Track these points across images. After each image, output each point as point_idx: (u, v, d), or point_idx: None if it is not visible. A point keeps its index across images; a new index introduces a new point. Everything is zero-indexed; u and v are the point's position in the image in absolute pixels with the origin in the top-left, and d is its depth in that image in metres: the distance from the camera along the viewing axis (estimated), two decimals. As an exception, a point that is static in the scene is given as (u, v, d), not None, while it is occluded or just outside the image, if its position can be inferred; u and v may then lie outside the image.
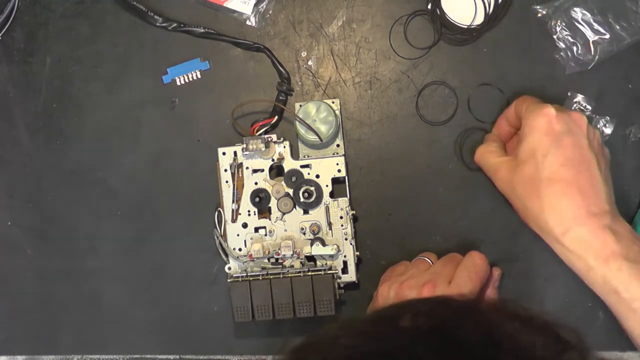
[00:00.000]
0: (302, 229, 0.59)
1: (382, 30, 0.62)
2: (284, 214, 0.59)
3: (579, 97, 0.60)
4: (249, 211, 0.59)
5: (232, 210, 0.59)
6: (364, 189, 0.61)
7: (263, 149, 0.58)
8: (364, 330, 0.30)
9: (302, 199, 0.58)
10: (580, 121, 0.52)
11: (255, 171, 0.59)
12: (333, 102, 0.61)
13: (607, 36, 0.60)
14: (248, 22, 0.63)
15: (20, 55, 0.64)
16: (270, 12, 0.63)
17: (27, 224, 0.64)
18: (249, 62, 0.63)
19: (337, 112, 0.60)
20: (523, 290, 0.60)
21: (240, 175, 0.60)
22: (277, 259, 0.59)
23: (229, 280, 0.58)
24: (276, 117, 0.61)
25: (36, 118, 0.64)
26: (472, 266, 0.53)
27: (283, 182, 0.59)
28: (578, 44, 0.60)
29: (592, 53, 0.60)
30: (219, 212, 0.60)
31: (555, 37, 0.60)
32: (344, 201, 0.59)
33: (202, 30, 0.62)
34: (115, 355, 0.63)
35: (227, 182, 0.60)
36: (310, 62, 0.63)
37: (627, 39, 0.59)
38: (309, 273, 0.58)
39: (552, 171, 0.50)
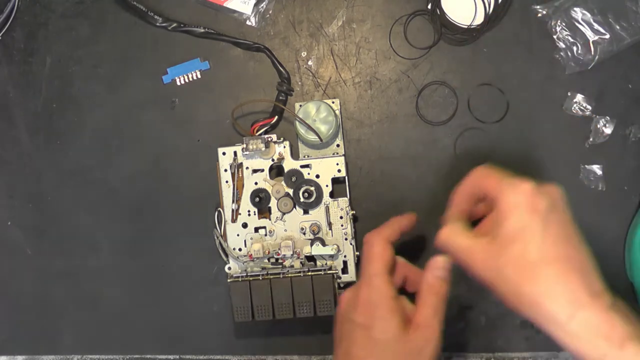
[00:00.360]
0: (302, 229, 0.59)
1: (382, 30, 0.62)
2: (284, 214, 0.59)
3: (579, 97, 0.60)
4: (249, 211, 0.59)
5: (232, 210, 0.59)
6: (364, 189, 0.61)
7: (263, 149, 0.58)
8: None
9: (302, 199, 0.58)
10: (558, 194, 0.47)
11: (255, 171, 0.59)
12: (333, 102, 0.61)
13: (607, 36, 0.60)
14: (248, 22, 0.63)
15: (20, 55, 0.64)
16: (270, 12, 0.63)
17: (27, 224, 0.64)
18: (249, 62, 0.63)
19: (337, 112, 0.60)
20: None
21: (240, 175, 0.60)
22: (277, 259, 0.59)
23: (229, 280, 0.58)
24: (276, 117, 0.61)
25: (36, 118, 0.64)
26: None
27: (283, 182, 0.59)
28: (578, 44, 0.60)
29: (592, 53, 0.60)
30: (219, 212, 0.60)
31: (555, 37, 0.61)
32: (344, 201, 0.59)
33: (202, 30, 0.62)
34: (115, 355, 0.63)
35: (227, 182, 0.60)
36: (310, 62, 0.63)
37: (627, 39, 0.59)
38: (309, 273, 0.58)
39: (545, 252, 0.46)
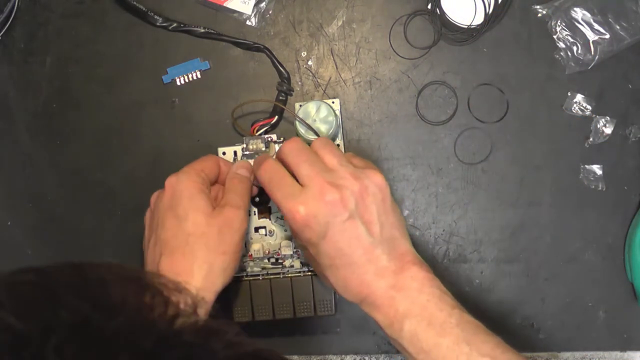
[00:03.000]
0: (302, 229, 0.59)
1: (382, 30, 0.62)
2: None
3: (579, 97, 0.60)
4: (249, 211, 0.59)
5: (232, 210, 0.59)
6: (364, 189, 0.61)
7: (263, 149, 0.58)
8: None
9: (302, 199, 0.58)
10: (334, 203, 0.49)
11: (255, 171, 0.59)
12: (333, 102, 0.61)
13: (607, 36, 0.60)
14: (248, 22, 0.63)
15: (20, 55, 0.64)
16: (270, 12, 0.63)
17: (27, 224, 0.64)
18: (249, 62, 0.63)
19: (337, 112, 0.60)
20: (523, 290, 0.60)
21: (240, 175, 0.60)
22: (277, 259, 0.59)
23: (229, 280, 0.58)
24: (276, 117, 0.61)
25: (36, 118, 0.64)
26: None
27: (283, 182, 0.59)
28: (578, 44, 0.60)
29: (592, 53, 0.60)
30: (219, 212, 0.60)
31: (555, 37, 0.61)
32: (344, 201, 0.59)
33: (202, 30, 0.62)
34: (115, 355, 0.63)
35: (227, 182, 0.59)
36: (310, 62, 0.63)
37: (627, 39, 0.59)
38: (309, 273, 0.58)
39: (329, 262, 0.50)
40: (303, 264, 0.59)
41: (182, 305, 0.28)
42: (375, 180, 0.51)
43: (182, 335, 0.27)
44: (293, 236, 0.55)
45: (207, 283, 0.50)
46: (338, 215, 0.49)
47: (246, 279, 0.58)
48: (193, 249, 0.50)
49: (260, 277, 0.58)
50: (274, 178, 0.51)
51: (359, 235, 0.49)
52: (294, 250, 0.58)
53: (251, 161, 0.59)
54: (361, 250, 0.49)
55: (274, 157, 0.55)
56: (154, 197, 0.55)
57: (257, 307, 0.57)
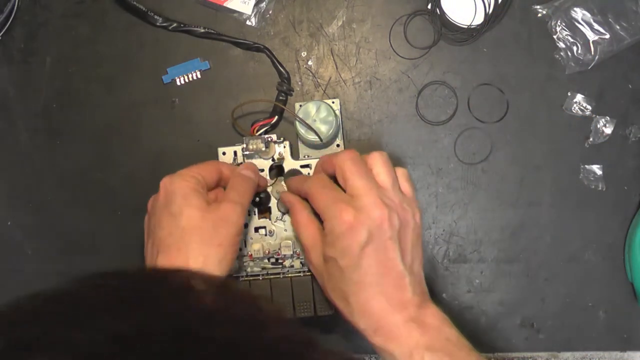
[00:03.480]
0: (302, 229, 0.59)
1: (382, 30, 0.62)
2: (284, 214, 0.59)
3: (579, 97, 0.60)
4: (249, 211, 0.59)
5: (232, 210, 0.59)
6: (364, 189, 0.61)
7: (263, 149, 0.58)
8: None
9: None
10: (382, 218, 0.49)
11: (255, 171, 0.59)
12: (333, 102, 0.61)
13: (607, 36, 0.60)
14: (248, 22, 0.63)
15: (20, 55, 0.64)
16: (270, 12, 0.63)
17: (27, 224, 0.64)
18: (249, 62, 0.63)
19: (337, 112, 0.60)
20: (523, 290, 0.60)
21: (240, 175, 0.60)
22: (277, 259, 0.59)
23: (229, 280, 0.58)
24: (276, 117, 0.61)
25: (36, 118, 0.64)
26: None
27: (283, 182, 0.59)
28: (578, 44, 0.60)
29: (592, 53, 0.60)
30: (219, 212, 0.60)
31: (555, 37, 0.61)
32: (344, 201, 0.59)
33: (202, 30, 0.62)
34: (115, 355, 0.63)
35: (227, 182, 0.59)
36: (310, 62, 0.63)
37: (627, 39, 0.59)
38: (309, 273, 0.57)
39: (357, 279, 0.49)
40: (303, 264, 0.59)
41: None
42: (417, 215, 0.52)
43: (280, 344, 0.26)
44: (315, 249, 0.53)
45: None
46: (383, 232, 0.49)
47: (246, 279, 0.58)
48: (187, 243, 0.50)
49: (260, 277, 0.58)
50: (326, 186, 0.52)
51: (395, 258, 0.49)
52: (294, 250, 0.58)
53: (253, 161, 0.59)
54: (394, 274, 0.49)
55: (319, 160, 0.56)
56: (150, 202, 0.55)
57: (257, 307, 0.57)
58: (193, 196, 0.52)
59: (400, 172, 0.54)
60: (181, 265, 0.50)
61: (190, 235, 0.50)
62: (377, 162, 0.52)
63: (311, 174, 0.59)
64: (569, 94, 0.60)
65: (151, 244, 0.53)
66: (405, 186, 0.53)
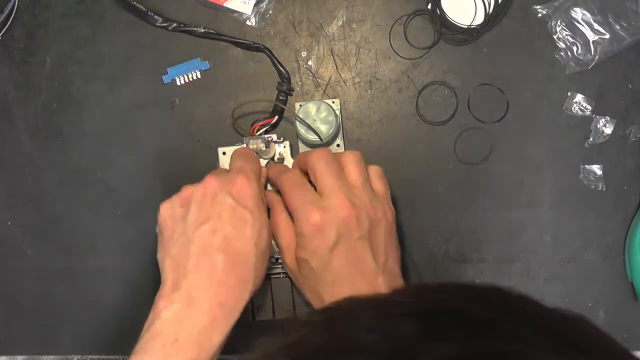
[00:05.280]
0: (302, 229, 0.59)
1: (382, 30, 0.62)
2: (284, 214, 0.59)
3: (579, 97, 0.60)
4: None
5: (232, 210, 0.59)
6: (364, 189, 0.61)
7: (263, 148, 0.58)
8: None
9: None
10: (349, 218, 0.50)
11: (255, 171, 0.59)
12: (333, 102, 0.61)
13: (607, 36, 0.60)
14: (248, 22, 0.63)
15: (20, 55, 0.64)
16: (270, 12, 0.63)
17: (27, 224, 0.64)
18: (249, 62, 0.63)
19: (337, 112, 0.60)
20: (523, 290, 0.60)
21: (240, 175, 0.60)
22: (277, 259, 0.59)
23: (229, 280, 0.58)
24: (276, 117, 0.61)
25: (36, 118, 0.64)
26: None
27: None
28: (578, 44, 0.60)
29: (592, 53, 0.60)
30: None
31: (555, 37, 0.61)
32: (344, 201, 0.59)
33: (202, 30, 0.62)
34: (115, 356, 0.63)
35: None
36: (310, 62, 0.63)
37: (627, 39, 0.59)
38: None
39: (329, 279, 0.50)
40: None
41: None
42: (388, 213, 0.52)
43: None
44: (290, 251, 0.54)
45: (253, 295, 0.51)
46: (351, 232, 0.49)
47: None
48: (255, 261, 0.51)
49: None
50: (298, 184, 0.52)
51: (365, 258, 0.50)
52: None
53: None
54: (365, 273, 0.50)
55: (293, 159, 0.56)
56: (215, 184, 0.51)
57: (257, 307, 0.57)
58: (264, 211, 0.53)
59: (373, 170, 0.54)
60: (245, 278, 0.50)
61: (257, 258, 0.51)
62: (349, 161, 0.52)
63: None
64: (569, 94, 0.60)
65: (211, 230, 0.50)
66: (377, 184, 0.53)
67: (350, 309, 0.30)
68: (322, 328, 0.28)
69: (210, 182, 0.51)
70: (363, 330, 0.27)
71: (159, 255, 0.52)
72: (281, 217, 0.54)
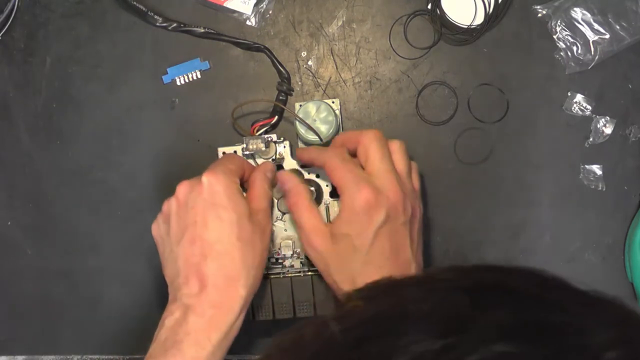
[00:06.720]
0: (302, 229, 0.59)
1: (382, 30, 0.62)
2: (284, 214, 0.59)
3: (579, 97, 0.60)
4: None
5: (232, 210, 0.59)
6: (364, 189, 0.61)
7: (263, 148, 0.58)
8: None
9: (302, 199, 0.58)
10: (399, 202, 0.50)
11: (255, 171, 0.59)
12: (333, 102, 0.61)
13: (607, 36, 0.60)
14: (248, 22, 0.63)
15: (20, 55, 0.64)
16: (270, 12, 0.63)
17: (27, 224, 0.64)
18: (249, 62, 0.63)
19: (337, 112, 0.60)
20: (523, 290, 0.60)
21: (240, 175, 0.60)
22: (277, 259, 0.59)
23: (229, 280, 0.58)
24: (276, 117, 0.61)
25: (36, 118, 0.64)
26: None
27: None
28: (578, 44, 0.60)
29: (592, 53, 0.60)
30: (219, 212, 0.60)
31: (555, 37, 0.61)
32: (344, 201, 0.59)
33: (202, 30, 0.62)
34: (115, 356, 0.63)
35: (227, 182, 0.59)
36: (310, 62, 0.63)
37: (627, 39, 0.59)
38: (309, 273, 0.58)
39: (367, 260, 0.50)
40: (303, 264, 0.59)
41: None
42: (421, 208, 0.54)
43: None
44: (318, 231, 0.52)
45: (252, 288, 0.51)
46: (398, 216, 0.50)
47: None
48: (241, 255, 0.51)
49: (260, 277, 0.58)
50: (348, 160, 0.52)
51: (405, 244, 0.50)
52: (294, 250, 0.58)
53: (252, 162, 0.59)
54: (402, 259, 0.50)
55: (293, 159, 0.57)
56: (184, 191, 0.52)
57: (257, 307, 0.57)
58: (241, 202, 0.52)
59: (414, 165, 0.55)
60: (234, 275, 0.50)
61: (243, 251, 0.51)
62: (397, 149, 0.53)
63: (311, 175, 0.59)
64: (569, 94, 0.60)
65: (190, 239, 0.51)
66: (415, 178, 0.55)
67: (394, 285, 0.30)
68: (369, 301, 0.29)
69: (180, 190, 0.52)
70: (412, 301, 0.27)
71: (164, 273, 0.54)
72: (304, 198, 0.53)
